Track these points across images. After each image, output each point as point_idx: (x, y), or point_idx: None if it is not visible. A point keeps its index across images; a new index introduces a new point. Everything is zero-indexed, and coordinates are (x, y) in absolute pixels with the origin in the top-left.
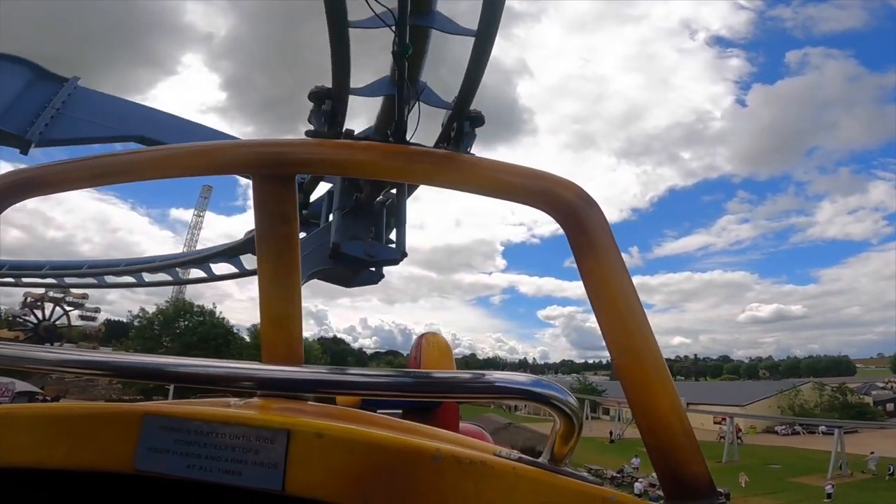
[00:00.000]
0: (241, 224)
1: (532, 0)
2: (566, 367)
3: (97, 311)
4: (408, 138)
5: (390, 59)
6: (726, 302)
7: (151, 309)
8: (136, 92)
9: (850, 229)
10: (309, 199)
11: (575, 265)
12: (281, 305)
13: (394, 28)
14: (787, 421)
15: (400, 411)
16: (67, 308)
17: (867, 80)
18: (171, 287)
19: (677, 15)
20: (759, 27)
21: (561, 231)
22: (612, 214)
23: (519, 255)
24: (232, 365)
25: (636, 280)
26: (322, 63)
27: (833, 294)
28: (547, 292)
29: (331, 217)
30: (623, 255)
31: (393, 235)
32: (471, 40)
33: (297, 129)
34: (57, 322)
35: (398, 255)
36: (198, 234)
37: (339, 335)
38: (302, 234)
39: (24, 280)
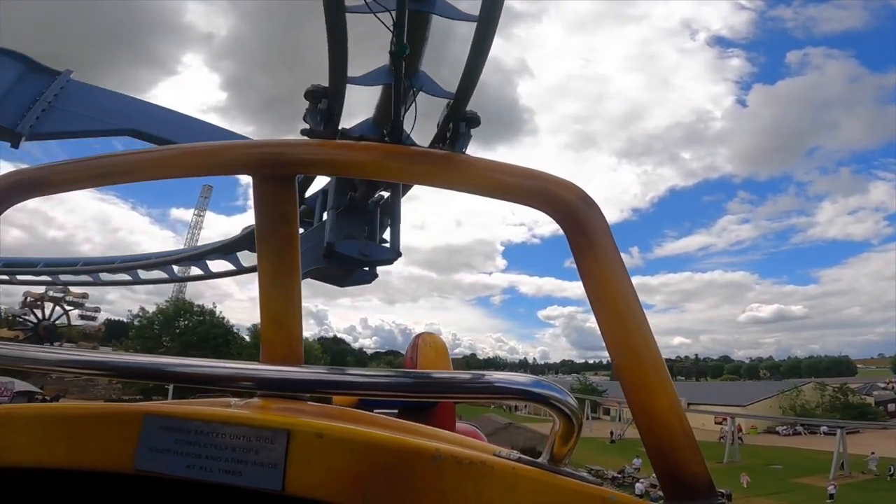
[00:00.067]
0: (242, 224)
1: (533, 0)
2: (566, 367)
3: (97, 310)
4: (408, 133)
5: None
6: (727, 302)
7: (151, 308)
8: (137, 92)
9: (851, 230)
10: (304, 195)
11: (575, 265)
12: (281, 305)
13: (391, 28)
14: (788, 421)
15: (396, 411)
16: (67, 308)
17: (868, 81)
18: (172, 287)
19: (678, 15)
20: (759, 27)
21: (561, 231)
22: (612, 214)
23: (519, 256)
24: (232, 365)
25: (636, 280)
26: (323, 63)
27: (834, 294)
28: (547, 292)
29: (324, 216)
30: (623, 255)
31: (387, 235)
32: (470, 42)
33: (298, 129)
34: (57, 322)
35: (392, 254)
36: (198, 234)
37: (339, 335)
38: None
39: (19, 277)
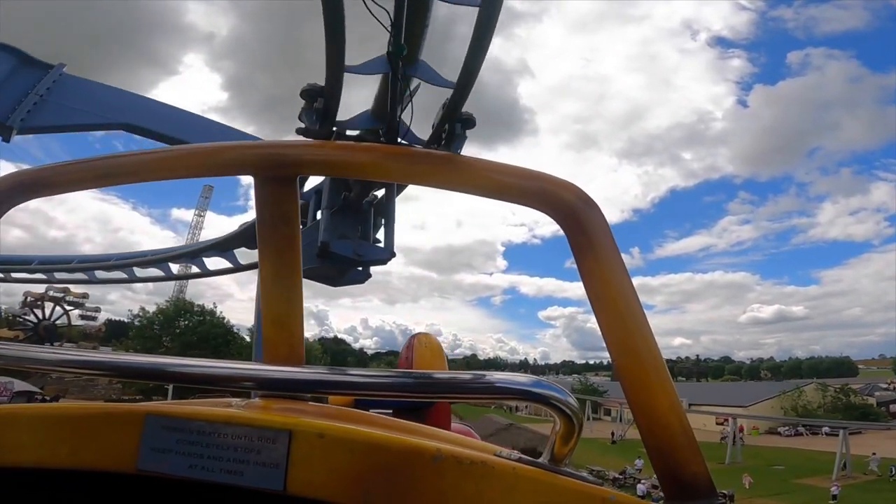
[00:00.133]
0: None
1: (534, 0)
2: (567, 367)
3: (98, 310)
4: (408, 126)
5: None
6: (727, 303)
7: (152, 308)
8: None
9: (852, 230)
10: (301, 191)
11: (575, 266)
12: (282, 305)
13: (389, 28)
14: (790, 422)
15: (391, 411)
16: (68, 308)
17: (869, 81)
18: (172, 287)
19: (679, 15)
20: (760, 28)
21: (561, 232)
22: (613, 215)
23: (520, 256)
24: (232, 365)
25: (637, 281)
26: (324, 63)
27: (834, 295)
28: (548, 293)
29: (318, 215)
30: (624, 255)
31: (380, 235)
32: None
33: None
34: (57, 321)
35: (387, 254)
36: (199, 234)
37: (340, 335)
38: None
39: (14, 275)
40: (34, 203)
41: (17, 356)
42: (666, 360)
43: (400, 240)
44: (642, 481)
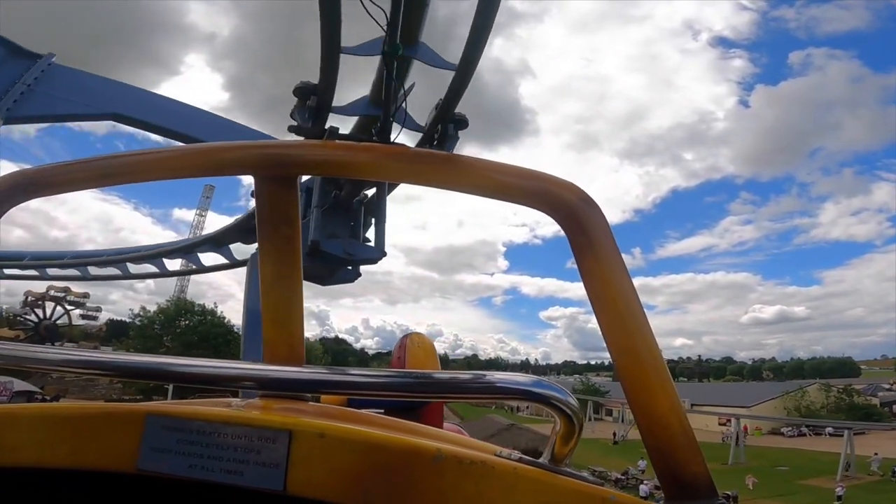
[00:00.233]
0: None
1: (534, 0)
2: (568, 368)
3: (99, 310)
4: (407, 111)
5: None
6: (729, 303)
7: (153, 308)
8: None
9: (854, 231)
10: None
11: (576, 266)
12: (283, 305)
13: (385, 28)
14: (793, 422)
15: (383, 410)
16: (68, 307)
17: (871, 81)
18: (173, 287)
19: (680, 15)
20: (762, 28)
21: (562, 232)
22: (614, 215)
23: (521, 256)
24: (232, 365)
25: (638, 281)
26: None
27: (836, 295)
28: (549, 293)
29: (308, 213)
30: (625, 256)
31: (370, 234)
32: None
33: None
34: (58, 321)
35: (377, 253)
36: (200, 234)
37: (341, 335)
38: None
39: (5, 272)
40: (35, 203)
41: (17, 356)
42: (668, 360)
43: (401, 240)
44: (645, 482)
